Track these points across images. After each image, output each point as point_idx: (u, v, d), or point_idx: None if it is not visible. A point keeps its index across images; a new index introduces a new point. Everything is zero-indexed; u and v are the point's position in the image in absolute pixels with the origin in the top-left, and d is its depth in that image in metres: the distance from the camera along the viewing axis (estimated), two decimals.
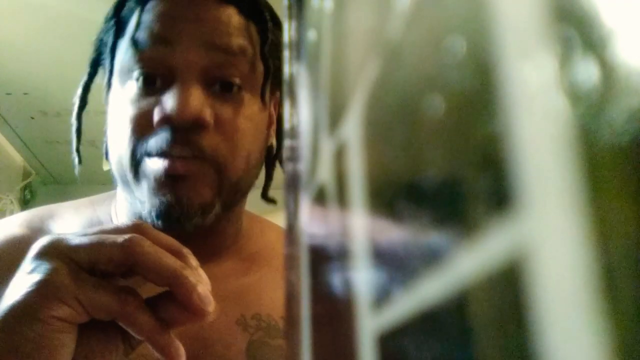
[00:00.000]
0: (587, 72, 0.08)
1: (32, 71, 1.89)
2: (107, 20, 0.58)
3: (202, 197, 0.51)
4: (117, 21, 0.56)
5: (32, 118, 2.15)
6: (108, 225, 0.48)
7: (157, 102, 0.51)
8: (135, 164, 0.52)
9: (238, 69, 0.54)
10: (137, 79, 0.53)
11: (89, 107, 0.62)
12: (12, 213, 2.25)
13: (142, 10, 0.54)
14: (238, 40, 0.54)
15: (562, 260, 0.08)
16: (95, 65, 0.60)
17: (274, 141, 0.64)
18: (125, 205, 0.58)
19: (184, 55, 0.52)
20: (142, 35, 0.53)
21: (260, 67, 0.56)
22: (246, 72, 0.54)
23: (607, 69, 0.07)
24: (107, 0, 0.59)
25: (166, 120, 0.50)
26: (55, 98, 1.99)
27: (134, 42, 0.53)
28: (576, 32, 0.08)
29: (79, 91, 0.61)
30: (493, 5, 0.10)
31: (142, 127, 0.52)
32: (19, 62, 1.85)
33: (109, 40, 0.56)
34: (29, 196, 2.59)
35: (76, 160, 0.62)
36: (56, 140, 2.29)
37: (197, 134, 0.51)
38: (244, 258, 0.60)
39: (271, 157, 0.64)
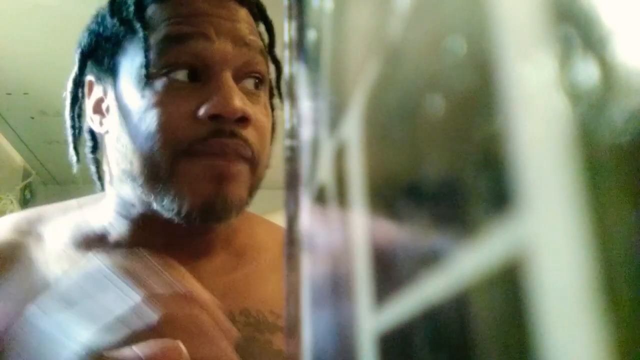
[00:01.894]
0: (587, 72, 0.08)
1: (32, 71, 1.89)
2: (110, 16, 0.57)
3: (241, 196, 0.53)
4: (139, 16, 0.55)
5: (32, 118, 2.15)
6: None
7: (193, 99, 0.52)
8: (173, 162, 0.52)
9: (261, 67, 0.56)
10: (165, 76, 0.52)
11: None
12: (12, 213, 2.24)
13: (166, 5, 0.54)
14: (257, 39, 0.56)
15: (562, 260, 0.08)
16: (85, 58, 0.59)
17: None
18: (115, 208, 0.57)
19: (221, 51, 0.53)
20: (175, 31, 0.53)
21: (269, 67, 0.58)
22: (265, 71, 0.57)
23: (607, 69, 0.07)
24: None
25: (214, 114, 0.51)
26: (55, 98, 1.99)
27: (168, 37, 0.53)
28: (576, 32, 0.08)
29: (70, 86, 0.60)
30: (493, 5, 0.10)
31: (181, 124, 0.51)
32: (19, 62, 1.85)
33: (120, 35, 0.56)
34: (29, 196, 2.59)
35: (74, 159, 0.62)
36: (56, 140, 2.29)
37: (241, 133, 0.52)
38: (232, 254, 0.60)
39: None
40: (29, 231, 0.58)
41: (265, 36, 0.61)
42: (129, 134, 0.54)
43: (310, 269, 0.23)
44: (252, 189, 0.55)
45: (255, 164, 0.54)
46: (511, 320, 0.09)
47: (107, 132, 0.58)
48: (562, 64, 0.08)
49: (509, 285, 0.09)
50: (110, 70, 0.57)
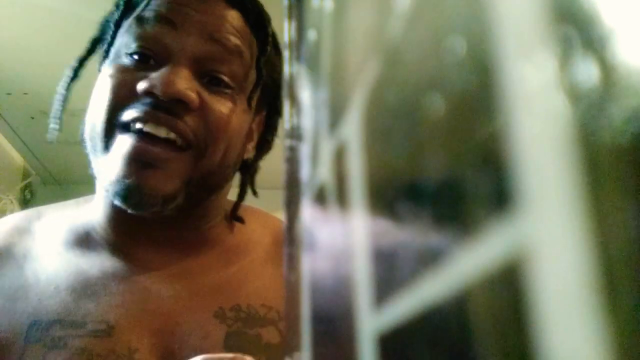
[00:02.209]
0: (587, 72, 0.08)
1: (32, 71, 1.89)
2: (117, 3, 0.59)
3: (166, 188, 0.51)
4: (128, 2, 0.57)
5: (32, 118, 2.15)
6: None
7: (145, 76, 0.52)
8: (108, 133, 0.52)
9: (230, 67, 0.55)
10: (132, 54, 0.54)
11: (85, 106, 0.62)
12: (12, 213, 2.24)
13: None
14: (236, 41, 0.55)
15: (562, 260, 0.08)
16: (95, 43, 0.61)
17: (250, 157, 0.64)
18: (99, 203, 0.58)
19: (182, 39, 0.53)
20: (147, 14, 0.54)
21: (252, 76, 0.57)
22: (238, 73, 0.55)
23: (607, 69, 0.07)
24: (108, 1, 0.59)
25: (149, 93, 0.51)
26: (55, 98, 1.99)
27: (139, 19, 0.54)
28: (576, 32, 0.08)
29: (74, 64, 0.61)
30: (493, 5, 0.10)
31: (122, 95, 0.52)
32: (19, 62, 1.85)
33: (115, 16, 0.57)
34: (29, 196, 2.59)
35: (56, 126, 0.62)
36: (56, 140, 2.29)
37: (180, 114, 0.51)
38: (225, 250, 0.60)
39: (246, 174, 0.65)
40: (27, 229, 0.59)
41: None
42: (89, 107, 0.56)
43: (310, 269, 0.23)
44: (192, 182, 0.53)
45: (199, 154, 0.53)
46: (511, 320, 0.09)
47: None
48: (562, 64, 0.08)
49: (509, 285, 0.09)
50: (103, 57, 0.58)
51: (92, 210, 0.59)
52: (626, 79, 0.07)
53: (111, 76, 0.53)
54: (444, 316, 0.11)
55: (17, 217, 0.62)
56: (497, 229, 0.09)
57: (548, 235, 0.08)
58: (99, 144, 0.53)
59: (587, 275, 0.07)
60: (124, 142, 0.51)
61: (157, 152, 0.50)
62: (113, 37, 0.56)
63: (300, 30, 0.29)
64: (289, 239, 0.27)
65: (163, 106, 0.51)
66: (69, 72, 0.62)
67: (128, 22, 0.55)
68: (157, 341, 0.52)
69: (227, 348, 0.53)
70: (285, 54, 0.31)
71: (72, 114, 0.64)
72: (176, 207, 0.53)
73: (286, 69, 0.31)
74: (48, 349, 0.49)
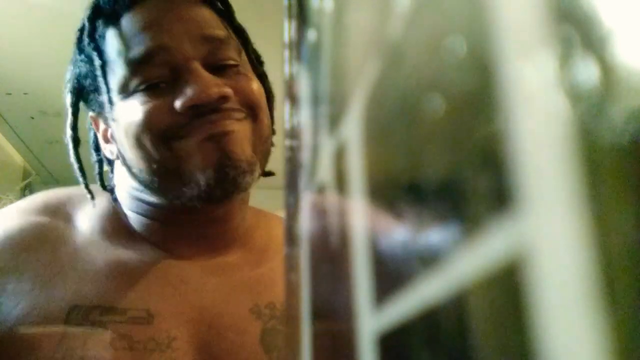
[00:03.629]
0: (587, 72, 0.08)
1: (32, 71, 1.89)
2: (78, 55, 0.60)
3: (246, 152, 0.54)
4: (95, 47, 0.58)
5: (32, 118, 2.15)
6: None
7: (172, 96, 0.54)
8: (160, 145, 0.54)
9: (230, 52, 0.58)
10: (144, 89, 0.55)
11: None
12: None
13: (119, 27, 0.57)
14: (221, 31, 0.59)
15: (562, 260, 0.08)
16: (76, 105, 0.62)
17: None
18: (130, 208, 0.60)
19: (181, 53, 0.55)
20: (137, 55, 0.55)
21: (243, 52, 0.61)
22: (237, 54, 0.59)
23: (607, 69, 0.07)
24: None
25: (191, 105, 0.53)
26: (55, 98, 1.99)
27: (131, 62, 0.55)
28: (576, 32, 0.08)
29: (69, 132, 0.62)
30: (493, 5, 0.10)
31: (162, 120, 0.54)
32: (19, 62, 1.85)
33: (95, 63, 0.57)
34: (28, 196, 2.59)
35: (81, 179, 0.63)
36: (56, 140, 2.29)
37: (224, 108, 0.54)
38: (254, 250, 0.62)
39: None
40: (59, 211, 0.60)
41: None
42: (127, 143, 0.56)
43: (310, 268, 0.23)
44: (258, 150, 0.56)
45: (254, 118, 0.56)
46: (511, 320, 0.09)
47: (117, 157, 0.60)
48: (562, 64, 0.08)
49: (509, 285, 0.09)
50: (99, 103, 0.59)
51: (126, 204, 0.61)
52: (626, 79, 0.07)
53: (137, 113, 0.55)
54: (444, 316, 0.11)
55: (46, 197, 0.61)
56: (497, 229, 0.09)
57: (548, 235, 0.08)
58: (155, 161, 0.54)
59: (587, 275, 0.07)
60: (194, 139, 0.53)
61: (227, 126, 0.54)
62: (107, 83, 0.57)
63: (300, 30, 0.29)
64: (289, 239, 0.27)
65: (210, 109, 0.53)
66: (70, 143, 0.62)
67: (119, 63, 0.56)
68: (195, 331, 0.53)
69: (264, 345, 0.54)
70: (285, 54, 0.31)
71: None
72: (253, 181, 0.55)
73: (286, 69, 0.31)
74: (88, 333, 0.50)
